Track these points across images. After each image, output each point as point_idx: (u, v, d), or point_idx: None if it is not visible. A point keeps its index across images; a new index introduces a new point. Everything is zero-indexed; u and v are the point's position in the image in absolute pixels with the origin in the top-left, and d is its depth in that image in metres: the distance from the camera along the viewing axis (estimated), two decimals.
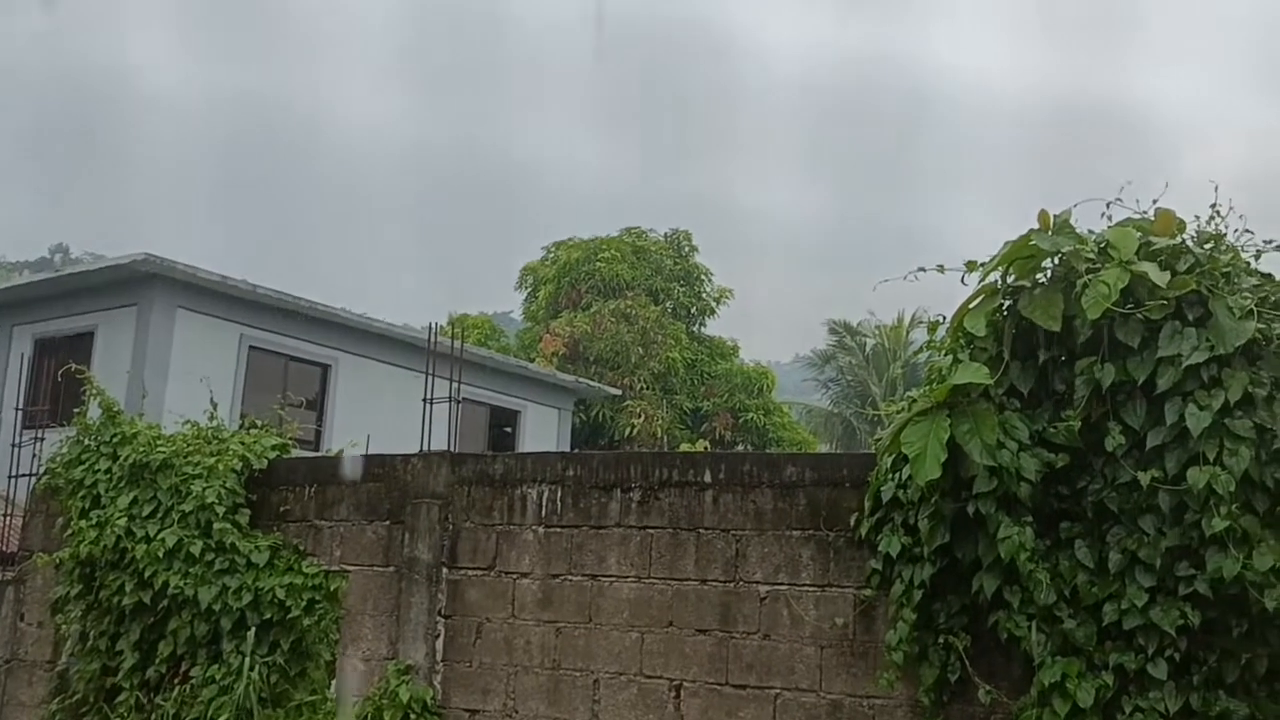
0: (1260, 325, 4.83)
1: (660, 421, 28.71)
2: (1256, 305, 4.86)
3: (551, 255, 33.27)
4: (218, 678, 7.22)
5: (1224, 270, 5.00)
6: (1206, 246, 5.15)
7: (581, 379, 26.82)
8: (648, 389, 29.27)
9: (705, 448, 26.34)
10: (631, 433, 28.20)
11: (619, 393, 28.24)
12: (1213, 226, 5.25)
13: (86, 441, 8.17)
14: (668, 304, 31.84)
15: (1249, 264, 5.16)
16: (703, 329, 33.09)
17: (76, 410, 8.51)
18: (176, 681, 7.43)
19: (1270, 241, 5.15)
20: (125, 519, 7.57)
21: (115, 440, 8.00)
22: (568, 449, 24.63)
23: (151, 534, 7.46)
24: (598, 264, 31.04)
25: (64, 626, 8.02)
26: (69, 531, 7.89)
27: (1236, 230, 5.22)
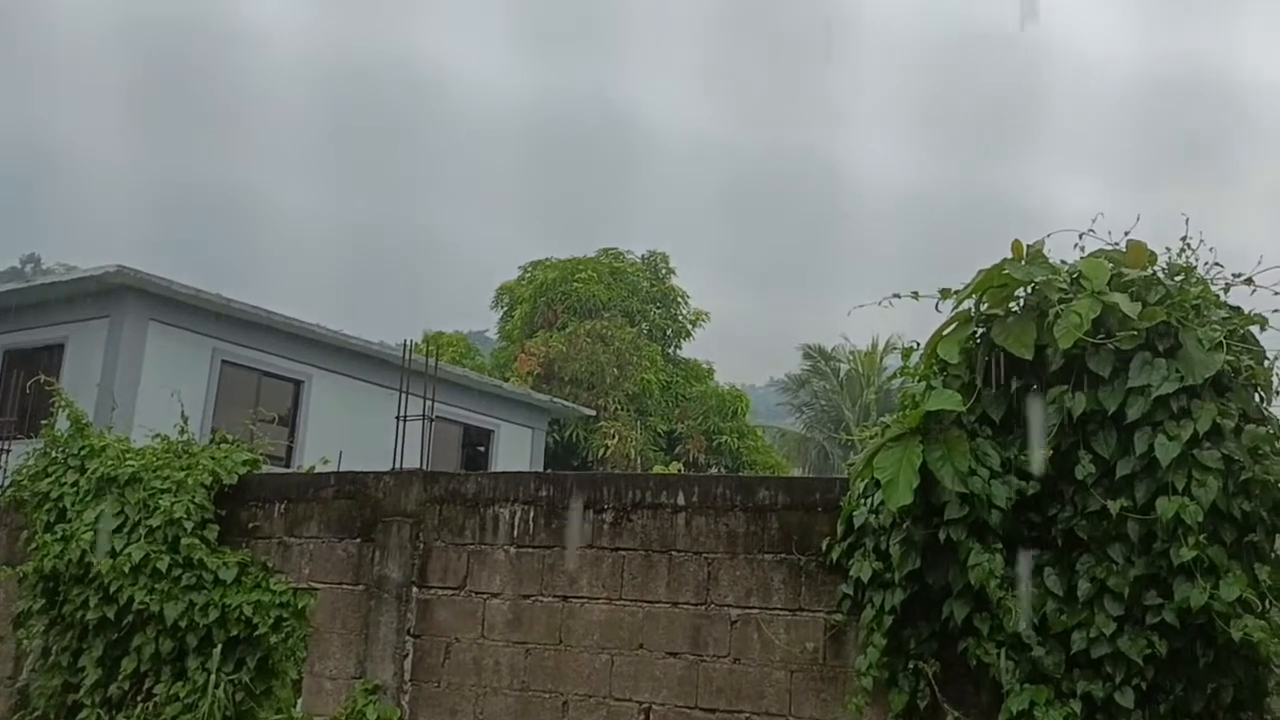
0: (1229, 357, 4.89)
1: (634, 443, 28.73)
2: (1225, 338, 4.92)
3: (528, 275, 33.30)
4: (182, 695, 7.13)
5: (1194, 303, 5.05)
6: (1177, 279, 5.21)
7: (556, 399, 26.79)
8: (622, 410, 29.30)
9: (679, 470, 26.34)
10: (605, 454, 28.20)
11: (593, 413, 28.26)
12: (1183, 259, 5.32)
13: (54, 454, 8.08)
14: (644, 325, 31.91)
15: (1218, 297, 5.22)
16: (678, 351, 33.18)
17: (44, 422, 8.42)
18: (140, 699, 7.32)
19: (1239, 275, 5.21)
20: (91, 533, 7.48)
21: (83, 453, 7.92)
22: (541, 469, 24.56)
23: (118, 548, 7.38)
24: (574, 284, 31.10)
25: (26, 641, 7.91)
26: (33, 545, 7.79)
27: (1206, 263, 5.29)
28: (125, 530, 7.47)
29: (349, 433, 17.08)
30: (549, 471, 16.96)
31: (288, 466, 17.30)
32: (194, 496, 7.51)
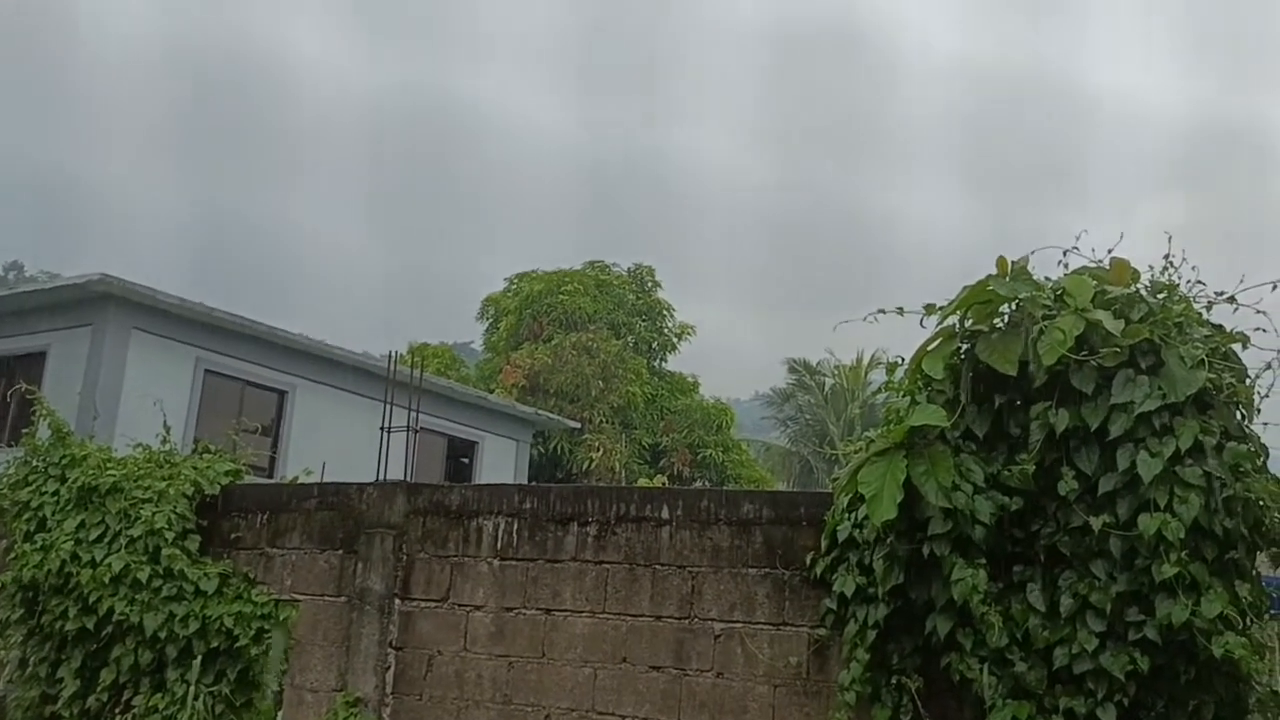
0: (1211, 375, 4.91)
1: (619, 456, 28.70)
2: (1207, 355, 4.95)
3: (514, 287, 33.28)
4: (161, 707, 7.09)
5: (1176, 320, 5.08)
6: (1160, 296, 5.24)
7: (541, 411, 26.74)
8: (607, 423, 29.27)
9: (663, 483, 26.33)
10: (590, 466, 28.17)
11: (578, 426, 28.21)
12: (1166, 277, 5.35)
13: (34, 463, 8.03)
14: (629, 338, 31.92)
15: (1200, 315, 5.26)
16: (664, 364, 33.19)
17: (25, 430, 8.37)
18: (118, 710, 7.27)
19: (1221, 293, 5.25)
20: (71, 543, 7.42)
21: (64, 462, 7.86)
22: (525, 481, 24.50)
23: (98, 558, 7.33)
24: (560, 296, 31.09)
25: (3, 652, 7.85)
26: (12, 555, 7.73)
27: (1189, 281, 5.33)
28: (105, 540, 7.43)
29: (333, 444, 17.04)
30: (533, 484, 16.94)
31: (271, 477, 17.21)
32: (175, 507, 7.47)
